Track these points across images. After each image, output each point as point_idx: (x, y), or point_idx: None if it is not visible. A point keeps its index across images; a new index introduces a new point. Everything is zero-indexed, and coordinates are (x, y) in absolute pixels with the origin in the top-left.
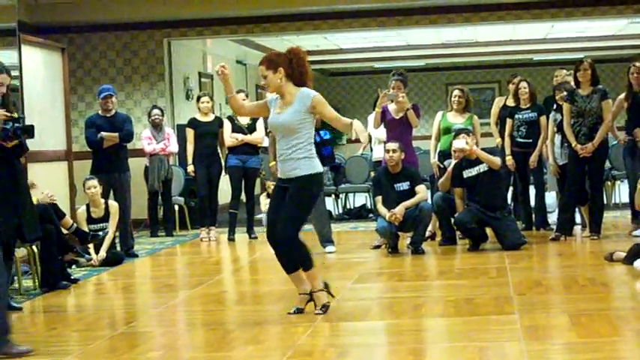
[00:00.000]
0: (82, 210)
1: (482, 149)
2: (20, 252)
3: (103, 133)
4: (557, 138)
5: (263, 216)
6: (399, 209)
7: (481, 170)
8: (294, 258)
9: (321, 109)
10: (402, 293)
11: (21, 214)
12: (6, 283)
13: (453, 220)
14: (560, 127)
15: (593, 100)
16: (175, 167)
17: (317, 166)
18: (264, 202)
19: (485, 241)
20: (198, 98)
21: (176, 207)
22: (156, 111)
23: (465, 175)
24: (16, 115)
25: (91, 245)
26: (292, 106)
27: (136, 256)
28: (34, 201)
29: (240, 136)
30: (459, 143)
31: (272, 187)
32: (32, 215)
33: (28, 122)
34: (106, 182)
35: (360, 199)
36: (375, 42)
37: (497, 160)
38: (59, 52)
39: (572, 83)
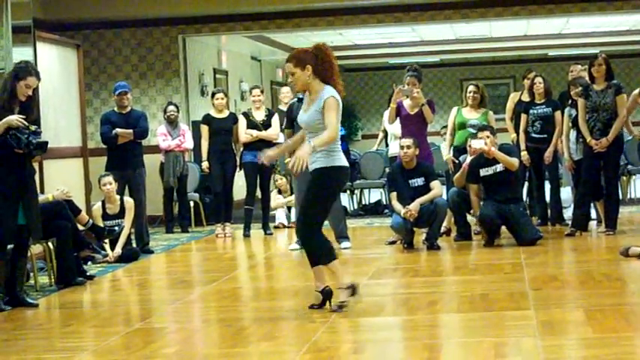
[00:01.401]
0: (97, 206)
1: (500, 146)
2: (36, 248)
3: (118, 130)
4: (572, 133)
5: (275, 212)
6: (414, 205)
7: (497, 170)
8: (313, 251)
9: (325, 111)
10: (418, 289)
11: (27, 216)
12: None
13: (474, 215)
14: (575, 123)
15: (607, 95)
16: (190, 163)
17: (335, 160)
18: (275, 198)
19: (498, 236)
20: (213, 95)
21: (191, 203)
22: (171, 107)
23: (481, 174)
24: (33, 128)
25: (106, 242)
26: (314, 104)
27: (152, 252)
28: (50, 197)
29: (255, 132)
30: (478, 143)
31: (281, 182)
32: (38, 217)
33: (42, 120)
34: (121, 179)
35: (375, 195)
36: (390, 38)
37: (515, 161)
38: (74, 48)
39: (587, 78)
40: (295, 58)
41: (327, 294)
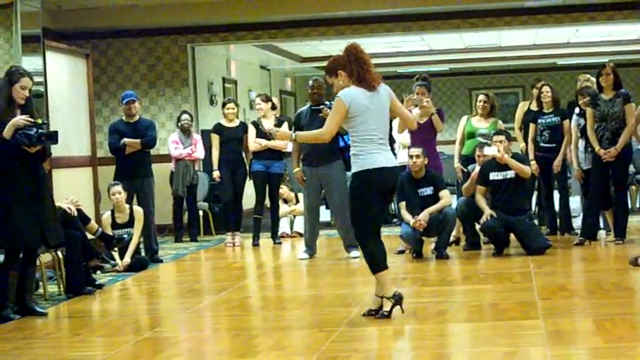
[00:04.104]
0: (106, 215)
1: (513, 155)
2: (45, 257)
3: (125, 140)
4: (581, 143)
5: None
6: (423, 215)
7: (508, 176)
8: (365, 258)
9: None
10: (427, 298)
11: (43, 220)
12: None
13: (477, 225)
14: (583, 132)
15: (615, 105)
16: (200, 173)
17: (362, 164)
18: (281, 208)
19: (507, 245)
20: (224, 104)
21: (200, 212)
22: (185, 116)
23: (491, 177)
24: (39, 120)
25: (115, 251)
26: None
27: (161, 261)
28: (63, 207)
29: (263, 142)
30: (491, 150)
31: (284, 191)
32: (55, 221)
33: (51, 128)
34: (130, 188)
35: None
36: (399, 47)
37: (527, 169)
38: (83, 58)
39: (595, 88)
40: (327, 69)
41: (398, 298)
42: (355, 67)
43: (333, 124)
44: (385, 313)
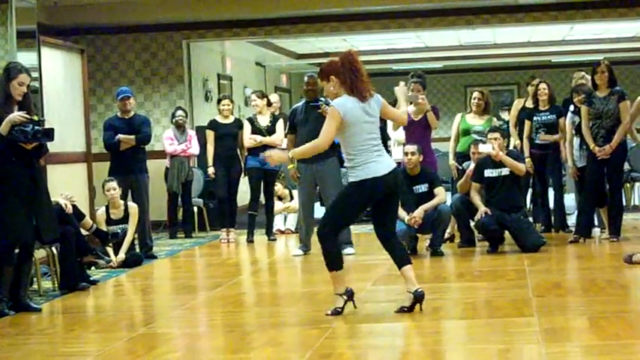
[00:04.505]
0: (101, 211)
1: (508, 152)
2: (40, 253)
3: (120, 136)
4: (576, 140)
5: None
6: (418, 212)
7: (502, 174)
8: (324, 255)
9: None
10: None
11: (39, 216)
12: None
13: (471, 222)
14: (578, 130)
15: (610, 102)
16: (195, 169)
17: (360, 174)
18: (275, 205)
19: (502, 243)
20: (219, 101)
21: (195, 209)
22: (180, 112)
23: (485, 174)
24: (36, 117)
25: (110, 247)
26: None
27: (155, 257)
28: (62, 204)
29: (258, 138)
30: (486, 148)
31: (278, 188)
32: (50, 217)
33: (47, 124)
34: (124, 184)
35: None
36: (394, 44)
37: (522, 167)
38: (78, 53)
39: (590, 85)
40: (321, 72)
41: (350, 294)
42: (348, 76)
43: (329, 134)
44: (339, 310)
